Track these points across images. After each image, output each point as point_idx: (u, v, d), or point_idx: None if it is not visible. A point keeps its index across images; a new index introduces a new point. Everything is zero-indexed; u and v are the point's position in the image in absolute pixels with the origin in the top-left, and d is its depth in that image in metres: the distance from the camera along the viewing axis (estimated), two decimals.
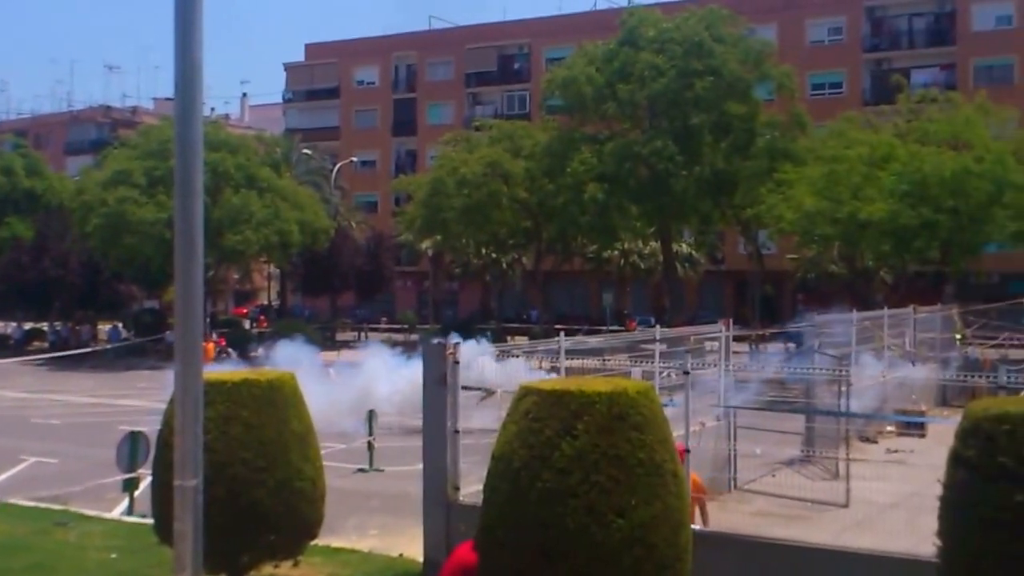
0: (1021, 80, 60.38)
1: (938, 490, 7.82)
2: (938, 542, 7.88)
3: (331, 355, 34.33)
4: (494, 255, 60.80)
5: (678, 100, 45.37)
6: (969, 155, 37.12)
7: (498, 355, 13.72)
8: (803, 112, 47.20)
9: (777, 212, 39.17)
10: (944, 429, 8.13)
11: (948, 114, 40.64)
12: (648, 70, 45.31)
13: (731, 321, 17.02)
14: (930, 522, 7.93)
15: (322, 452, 10.75)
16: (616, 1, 67.90)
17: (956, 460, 7.70)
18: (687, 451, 11.46)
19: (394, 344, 33.05)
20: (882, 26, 65.89)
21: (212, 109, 79.64)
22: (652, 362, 15.22)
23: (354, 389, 21.21)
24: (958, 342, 26.91)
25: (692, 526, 9.32)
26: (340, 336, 58.56)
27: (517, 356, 13.45)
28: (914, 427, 19.42)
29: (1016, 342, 26.35)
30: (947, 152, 37.73)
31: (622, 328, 47.37)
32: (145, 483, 13.81)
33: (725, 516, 13.12)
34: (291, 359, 18.22)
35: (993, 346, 26.63)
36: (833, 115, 45.99)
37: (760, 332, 32.23)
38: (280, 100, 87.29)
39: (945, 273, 40.88)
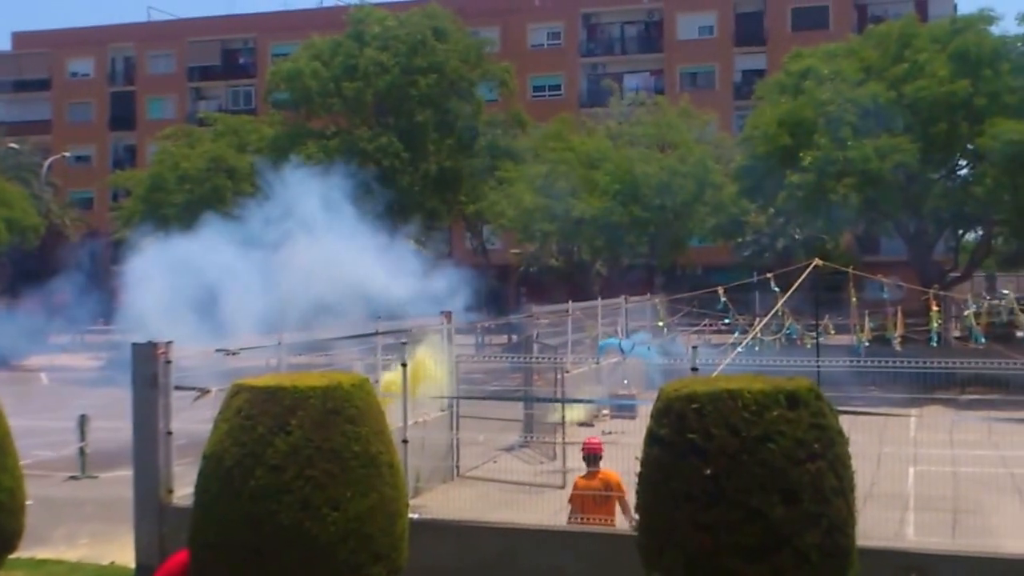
0: (721, 86, 64.89)
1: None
2: (636, 516, 8.35)
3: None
4: None
5: (403, 97, 45.65)
6: (674, 156, 39.69)
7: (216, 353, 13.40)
8: (523, 112, 48.65)
9: (499, 208, 40.31)
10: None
11: (655, 117, 43.22)
12: (373, 67, 45.33)
13: (451, 314, 17.34)
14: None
15: (27, 460, 10.17)
16: None
17: (651, 438, 8.07)
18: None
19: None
20: (597, 32, 68.96)
21: None
22: (376, 355, 15.36)
23: None
24: (662, 329, 28.81)
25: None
26: (53, 339, 55.16)
27: (236, 354, 13.16)
28: (626, 410, 20.41)
29: (714, 328, 28.37)
30: (655, 153, 40.14)
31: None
32: None
33: (447, 504, 13.42)
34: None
35: (695, 332, 28.60)
36: (553, 116, 47.69)
37: (483, 323, 33.03)
38: None
39: (654, 266, 43.53)
